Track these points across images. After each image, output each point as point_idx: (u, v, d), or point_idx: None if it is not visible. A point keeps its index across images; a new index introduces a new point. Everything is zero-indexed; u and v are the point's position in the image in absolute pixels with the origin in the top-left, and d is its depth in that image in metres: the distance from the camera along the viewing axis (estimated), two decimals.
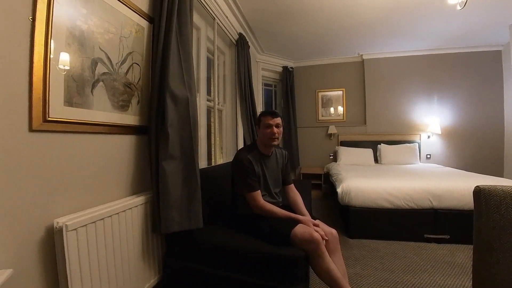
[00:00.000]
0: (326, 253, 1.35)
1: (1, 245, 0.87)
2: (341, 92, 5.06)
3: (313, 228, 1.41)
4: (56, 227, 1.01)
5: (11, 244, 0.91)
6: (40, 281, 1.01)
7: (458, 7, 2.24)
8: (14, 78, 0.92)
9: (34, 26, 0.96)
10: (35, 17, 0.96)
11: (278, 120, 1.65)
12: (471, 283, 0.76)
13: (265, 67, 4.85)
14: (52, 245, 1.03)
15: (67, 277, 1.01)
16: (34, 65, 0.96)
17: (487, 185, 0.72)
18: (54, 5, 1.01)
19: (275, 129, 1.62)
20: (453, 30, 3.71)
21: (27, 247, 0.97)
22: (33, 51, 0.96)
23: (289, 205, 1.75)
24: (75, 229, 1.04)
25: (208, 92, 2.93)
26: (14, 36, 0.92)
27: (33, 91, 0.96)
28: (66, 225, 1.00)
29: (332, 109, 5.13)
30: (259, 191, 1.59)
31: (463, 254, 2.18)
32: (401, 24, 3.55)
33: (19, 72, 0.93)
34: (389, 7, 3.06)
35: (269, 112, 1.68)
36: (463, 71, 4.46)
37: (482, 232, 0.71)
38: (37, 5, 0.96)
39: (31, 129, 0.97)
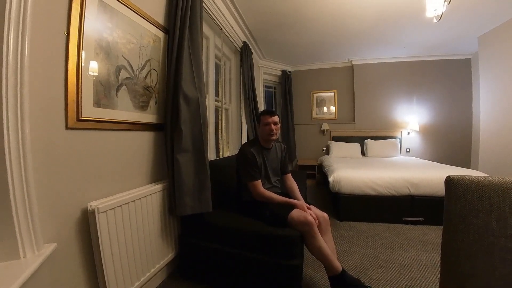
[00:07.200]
0: (318, 234, 1.37)
1: (46, 224, 0.91)
2: (333, 93, 5.03)
3: (308, 212, 1.43)
4: (89, 210, 1.04)
5: (54, 223, 0.95)
6: (78, 253, 1.06)
7: (435, 20, 2.23)
8: (52, 84, 0.95)
9: (68, 39, 0.98)
10: (69, 32, 0.98)
11: (276, 118, 1.63)
12: (439, 257, 0.78)
13: (266, 71, 4.82)
14: (87, 225, 1.07)
15: (100, 251, 1.05)
16: (68, 72, 0.98)
17: (456, 175, 0.73)
18: (85, 20, 1.03)
19: (273, 126, 1.62)
20: (430, 40, 3.71)
21: (67, 226, 1.01)
22: (67, 61, 0.98)
23: (286, 192, 1.76)
24: (105, 212, 1.07)
25: (216, 93, 2.93)
26: (52, 48, 0.94)
27: (68, 95, 0.99)
28: (97, 208, 1.03)
29: (325, 108, 5.11)
30: (259, 180, 1.60)
31: (434, 234, 2.21)
32: (386, 34, 3.53)
33: (56, 79, 0.96)
34: (375, 19, 3.03)
35: (267, 111, 1.67)
36: (438, 76, 4.45)
37: (451, 215, 0.73)
38: (71, 21, 0.98)
39: (67, 127, 1.00)
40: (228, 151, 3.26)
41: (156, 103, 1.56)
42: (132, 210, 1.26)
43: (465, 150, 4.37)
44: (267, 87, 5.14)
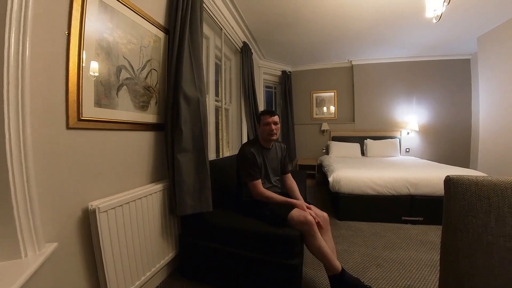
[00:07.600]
0: (318, 233, 1.37)
1: (47, 223, 0.91)
2: (333, 93, 5.03)
3: (307, 212, 1.43)
4: (90, 209, 1.04)
5: (55, 222, 0.95)
6: (79, 253, 1.06)
7: (434, 21, 2.23)
8: (53, 84, 0.95)
9: (69, 39, 0.98)
10: (70, 32, 0.98)
11: (276, 118, 1.63)
12: (438, 257, 0.78)
13: (266, 71, 4.81)
14: (88, 224, 1.07)
15: (101, 251, 1.06)
16: (69, 73, 0.98)
17: (455, 175, 0.72)
18: (86, 21, 1.03)
19: (273, 126, 1.61)
20: (429, 40, 3.71)
21: (68, 225, 1.01)
22: (68, 61, 0.98)
23: (286, 192, 1.76)
24: (106, 211, 1.07)
25: (216, 93, 2.93)
26: (53, 49, 0.94)
27: (69, 95, 0.99)
28: (98, 207, 1.03)
29: (325, 108, 5.11)
30: (259, 180, 1.60)
31: (433, 233, 2.21)
32: (385, 35, 3.53)
33: (57, 79, 0.96)
34: (375, 19, 3.03)
35: (267, 111, 1.67)
36: (438, 76, 4.46)
37: (450, 215, 0.73)
38: (72, 22, 0.98)
39: (68, 127, 1.00)
40: (228, 151, 3.26)
41: (156, 103, 1.56)
42: (133, 210, 1.26)
43: (464, 150, 4.38)
44: (267, 87, 5.14)
